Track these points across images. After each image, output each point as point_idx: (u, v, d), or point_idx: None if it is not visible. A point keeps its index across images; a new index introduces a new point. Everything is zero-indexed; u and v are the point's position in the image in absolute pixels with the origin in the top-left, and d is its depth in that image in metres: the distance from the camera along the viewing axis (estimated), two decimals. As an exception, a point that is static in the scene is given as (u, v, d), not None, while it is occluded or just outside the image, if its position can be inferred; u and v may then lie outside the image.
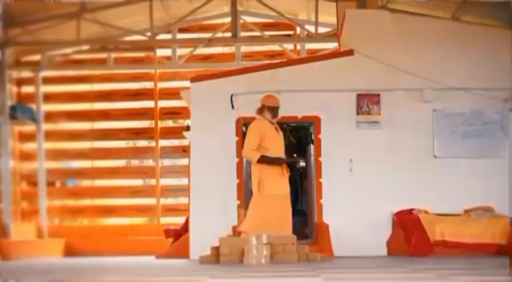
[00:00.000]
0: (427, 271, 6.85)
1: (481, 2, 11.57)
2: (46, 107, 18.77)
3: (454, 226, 11.27)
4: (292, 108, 11.72)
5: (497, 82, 11.90)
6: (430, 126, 11.97)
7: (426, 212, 11.49)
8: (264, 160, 10.20)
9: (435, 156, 11.95)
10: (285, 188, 10.23)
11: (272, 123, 10.34)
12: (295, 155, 10.93)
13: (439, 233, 11.25)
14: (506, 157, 11.87)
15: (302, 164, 10.79)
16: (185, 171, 13.85)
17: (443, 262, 8.72)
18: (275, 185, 10.17)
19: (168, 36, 18.21)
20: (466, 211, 11.51)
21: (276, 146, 10.24)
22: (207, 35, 17.74)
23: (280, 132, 10.44)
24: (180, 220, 14.89)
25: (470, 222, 11.29)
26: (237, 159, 11.89)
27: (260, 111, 10.39)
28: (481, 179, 11.79)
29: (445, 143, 11.96)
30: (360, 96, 11.93)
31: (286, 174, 10.28)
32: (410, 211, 11.52)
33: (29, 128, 18.55)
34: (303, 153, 12.66)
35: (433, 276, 6.11)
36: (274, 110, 10.31)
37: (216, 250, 10.00)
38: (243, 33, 17.68)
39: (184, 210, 14.90)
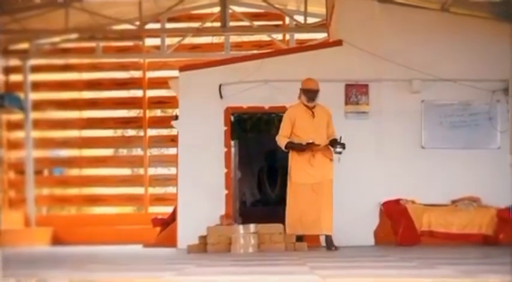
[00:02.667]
0: (414, 260, 6.88)
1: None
2: (34, 96, 18.71)
3: (441, 216, 11.31)
4: (280, 98, 11.72)
5: (486, 73, 11.92)
6: (418, 117, 11.97)
7: (413, 202, 11.51)
8: (289, 146, 10.13)
9: (423, 147, 11.96)
10: (314, 177, 10.04)
11: (309, 107, 10.20)
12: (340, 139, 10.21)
13: (426, 223, 11.29)
14: (493, 148, 11.90)
15: (338, 150, 10.09)
16: (173, 160, 13.84)
17: (430, 252, 8.76)
18: (302, 173, 10.07)
19: (157, 26, 18.17)
20: (453, 201, 11.55)
21: (307, 132, 10.06)
22: (196, 25, 17.72)
23: (319, 117, 10.20)
24: (168, 209, 14.90)
25: (457, 212, 11.32)
26: (225, 149, 11.89)
27: (299, 95, 10.30)
28: (468, 170, 11.81)
29: (433, 134, 11.98)
30: (348, 87, 11.93)
31: (319, 162, 10.06)
32: (397, 201, 11.55)
33: (17, 116, 18.49)
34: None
35: (420, 265, 6.14)
36: (309, 93, 10.17)
37: (203, 239, 10.02)
38: (232, 23, 17.64)
39: (172, 199, 14.90)
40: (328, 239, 10.02)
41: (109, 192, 18.90)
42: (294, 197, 10.13)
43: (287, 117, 10.23)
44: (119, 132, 19.33)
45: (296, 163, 10.13)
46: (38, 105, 18.72)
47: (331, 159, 10.21)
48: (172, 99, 16.32)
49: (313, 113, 10.19)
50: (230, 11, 17.49)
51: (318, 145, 10.04)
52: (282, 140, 10.14)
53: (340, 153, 10.16)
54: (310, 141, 10.00)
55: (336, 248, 9.83)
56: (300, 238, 10.18)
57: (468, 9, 12.08)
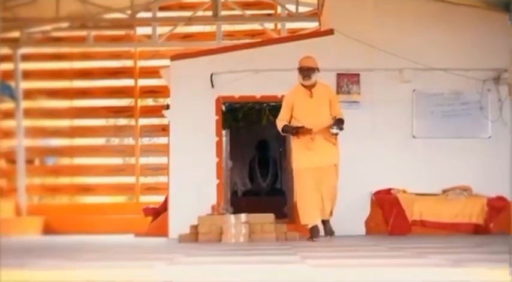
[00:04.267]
0: (405, 250, 6.89)
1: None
2: (25, 85, 18.63)
3: (432, 206, 11.34)
4: (272, 88, 11.73)
5: (477, 63, 11.94)
6: (410, 107, 11.99)
7: (404, 192, 11.54)
8: (284, 130, 9.72)
9: (414, 136, 11.98)
10: (313, 162, 9.46)
11: (306, 87, 9.64)
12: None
13: (417, 212, 11.31)
14: (484, 137, 11.93)
15: (334, 131, 9.42)
16: (165, 150, 13.83)
17: (421, 241, 8.77)
18: (301, 158, 9.56)
19: (148, 15, 18.10)
20: (444, 191, 11.57)
21: (305, 114, 9.54)
22: (188, 14, 17.66)
23: (318, 97, 9.60)
24: (159, 199, 14.89)
25: (448, 202, 11.35)
26: (217, 138, 11.89)
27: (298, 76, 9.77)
28: (459, 159, 11.84)
29: (424, 123, 12.00)
30: (340, 76, 11.94)
31: (319, 146, 9.44)
32: (388, 191, 11.57)
33: (8, 105, 18.43)
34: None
35: (411, 255, 6.15)
36: (303, 71, 9.60)
37: (194, 229, 10.03)
38: (224, 12, 17.60)
39: (163, 189, 14.90)
40: (327, 224, 9.75)
41: (100, 181, 18.86)
42: (298, 184, 9.71)
43: (284, 99, 9.76)
44: (111, 122, 19.27)
45: (295, 148, 9.68)
46: (29, 94, 18.66)
47: (334, 144, 9.62)
48: (163, 88, 16.28)
49: (311, 93, 9.65)
50: (222, -1, 17.46)
51: (310, 129, 9.46)
52: (279, 124, 9.71)
53: (336, 134, 9.60)
54: (300, 125, 9.52)
55: (332, 234, 9.64)
56: (314, 232, 9.53)
57: (460, -1, 12.09)
